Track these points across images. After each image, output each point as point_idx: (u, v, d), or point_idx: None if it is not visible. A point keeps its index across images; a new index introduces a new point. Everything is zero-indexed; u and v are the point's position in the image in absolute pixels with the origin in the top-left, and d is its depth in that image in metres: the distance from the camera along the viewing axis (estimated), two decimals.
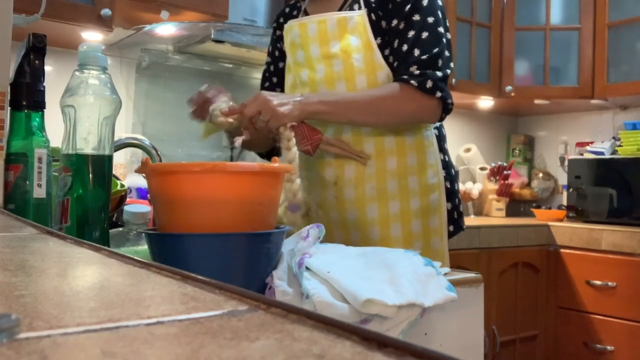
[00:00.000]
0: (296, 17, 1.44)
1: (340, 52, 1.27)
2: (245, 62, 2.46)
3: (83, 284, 0.40)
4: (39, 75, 1.01)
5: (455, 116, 3.63)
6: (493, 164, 3.46)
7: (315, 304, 0.70)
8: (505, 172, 3.39)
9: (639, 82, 2.97)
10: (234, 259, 0.75)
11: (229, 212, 0.75)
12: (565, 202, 3.17)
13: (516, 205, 3.56)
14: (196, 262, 0.73)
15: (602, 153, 3.03)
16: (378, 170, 1.29)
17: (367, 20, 1.27)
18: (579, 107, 3.48)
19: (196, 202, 0.74)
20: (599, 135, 3.46)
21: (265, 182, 0.78)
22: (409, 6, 1.24)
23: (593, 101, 3.22)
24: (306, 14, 1.41)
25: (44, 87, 1.01)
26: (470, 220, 2.96)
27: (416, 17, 1.23)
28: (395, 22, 1.25)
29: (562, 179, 3.49)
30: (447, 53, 1.24)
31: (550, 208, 3.31)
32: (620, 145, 2.96)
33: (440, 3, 1.28)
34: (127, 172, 2.30)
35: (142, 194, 1.79)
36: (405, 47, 1.23)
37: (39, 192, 0.96)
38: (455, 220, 1.36)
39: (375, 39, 1.26)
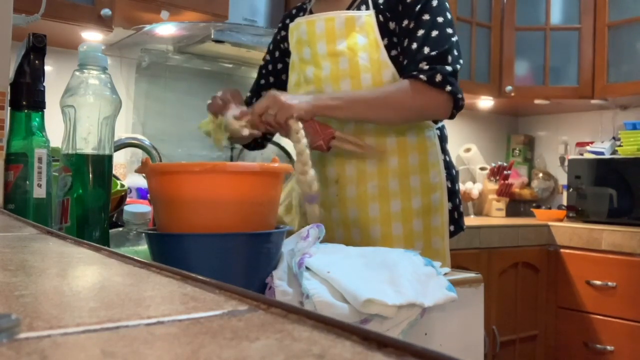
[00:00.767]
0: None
1: (346, 50, 1.27)
2: (245, 62, 2.46)
3: (83, 284, 0.40)
4: (39, 75, 1.01)
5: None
6: (493, 164, 3.46)
7: (315, 304, 0.70)
8: (505, 172, 3.39)
9: (639, 82, 2.97)
10: (234, 259, 0.75)
11: (229, 212, 0.75)
12: (565, 202, 3.17)
13: (516, 205, 3.56)
14: (196, 262, 0.73)
15: (602, 153, 3.03)
16: (379, 169, 1.29)
17: (374, 21, 1.27)
18: (579, 107, 3.48)
19: (196, 202, 0.74)
20: (599, 135, 3.46)
21: (265, 182, 0.78)
22: (419, 6, 1.25)
23: (593, 101, 3.22)
24: (312, 13, 1.41)
25: (44, 87, 1.01)
26: (470, 220, 2.96)
27: (426, 17, 1.24)
28: (405, 22, 1.26)
29: (562, 179, 3.49)
30: (455, 52, 1.25)
31: (550, 208, 3.31)
32: (620, 145, 2.96)
33: (448, 6, 1.29)
34: (127, 172, 2.30)
35: (142, 194, 1.79)
36: (414, 45, 1.23)
37: (39, 192, 0.96)
38: (455, 220, 1.36)
39: (382, 39, 1.27)
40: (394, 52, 1.28)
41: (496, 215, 3.36)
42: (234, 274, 0.74)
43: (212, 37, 2.09)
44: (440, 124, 1.38)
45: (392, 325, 0.72)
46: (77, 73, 0.85)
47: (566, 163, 3.29)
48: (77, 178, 0.83)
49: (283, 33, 1.48)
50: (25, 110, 0.99)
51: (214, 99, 1.27)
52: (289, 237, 0.86)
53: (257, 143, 1.51)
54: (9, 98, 0.99)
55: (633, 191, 2.82)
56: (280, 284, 0.75)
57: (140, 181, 1.81)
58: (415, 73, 1.21)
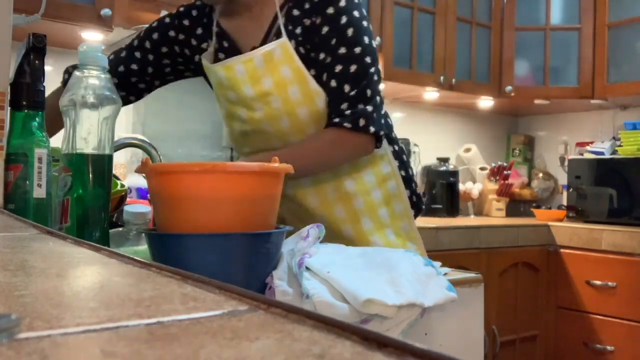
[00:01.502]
0: (208, 26, 1.36)
1: (274, 88, 1.24)
2: None
3: (83, 284, 0.40)
4: (39, 75, 1.01)
5: (455, 116, 3.63)
6: (493, 164, 3.46)
7: (315, 304, 0.70)
8: (505, 172, 3.39)
9: (639, 82, 2.97)
10: (234, 259, 0.75)
11: (229, 212, 0.75)
12: (565, 202, 3.17)
13: (516, 205, 3.56)
14: (196, 262, 0.73)
15: (602, 153, 3.03)
16: (332, 173, 1.30)
17: (292, 49, 1.23)
18: (579, 107, 3.48)
19: (196, 202, 0.74)
20: (599, 135, 3.46)
21: (265, 182, 0.78)
22: (334, 40, 1.21)
23: (593, 101, 3.22)
24: (221, 28, 1.34)
25: (44, 87, 1.01)
26: (470, 220, 2.96)
27: (342, 51, 1.21)
28: (322, 55, 1.23)
29: (562, 179, 3.49)
30: (374, 83, 1.22)
31: (550, 208, 3.31)
32: (620, 145, 2.96)
33: (363, 16, 1.25)
34: (127, 172, 2.30)
35: (142, 194, 1.79)
36: (334, 83, 1.21)
37: (39, 192, 0.96)
38: (414, 204, 1.39)
39: (309, 69, 1.24)
40: (325, 77, 1.24)
41: (496, 215, 3.36)
42: (234, 274, 0.74)
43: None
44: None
45: (392, 325, 0.72)
46: (77, 73, 0.85)
47: (566, 163, 3.29)
48: (77, 178, 0.83)
49: (182, 37, 1.38)
50: (25, 110, 0.99)
51: None
52: (289, 237, 0.86)
53: None
54: (9, 98, 0.99)
55: (633, 191, 2.82)
56: (280, 284, 0.75)
57: (140, 181, 1.81)
58: (337, 120, 1.20)
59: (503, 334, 2.65)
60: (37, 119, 1.00)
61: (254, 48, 1.28)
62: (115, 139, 0.97)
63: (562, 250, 2.81)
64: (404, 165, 1.39)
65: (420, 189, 2.99)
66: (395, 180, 1.34)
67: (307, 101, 1.23)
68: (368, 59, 1.22)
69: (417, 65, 2.94)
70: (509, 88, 3.23)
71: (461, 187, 3.32)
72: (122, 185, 1.18)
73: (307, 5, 1.24)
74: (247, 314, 0.29)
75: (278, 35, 1.25)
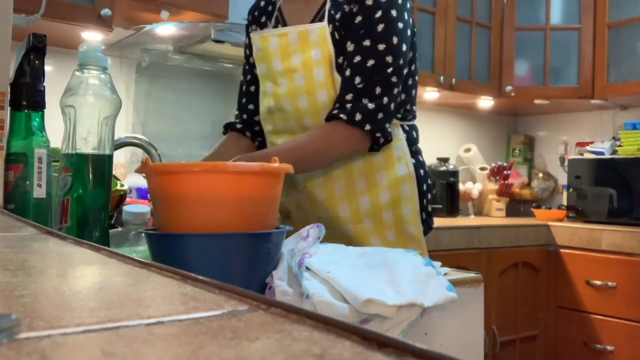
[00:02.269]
0: (271, 13, 1.41)
1: (301, 66, 1.26)
2: None
3: (83, 284, 0.40)
4: (39, 75, 1.01)
5: (455, 116, 3.63)
6: (493, 164, 3.46)
7: (315, 304, 0.70)
8: (505, 172, 3.39)
9: (639, 82, 2.97)
10: (234, 259, 0.75)
11: (229, 212, 0.75)
12: (565, 202, 3.17)
13: (516, 205, 3.56)
14: (196, 262, 0.73)
15: (602, 153, 3.03)
16: (345, 169, 1.30)
17: (328, 33, 1.25)
18: (579, 107, 3.48)
19: (196, 202, 0.74)
20: (599, 135, 3.46)
21: (265, 182, 0.78)
22: (363, 30, 1.22)
23: (593, 101, 3.22)
24: (280, 12, 1.39)
25: (44, 87, 1.01)
26: (470, 220, 2.96)
27: (366, 43, 1.21)
28: (349, 43, 1.24)
29: (562, 179, 3.49)
30: (390, 82, 1.22)
31: (550, 208, 3.31)
32: (620, 145, 2.96)
33: (402, 18, 1.24)
34: (127, 172, 2.30)
35: (142, 194, 1.80)
36: (347, 72, 1.22)
37: (39, 192, 0.96)
38: (424, 221, 1.36)
39: (337, 57, 1.25)
40: (344, 65, 1.25)
41: (496, 215, 3.36)
42: (234, 274, 0.74)
43: (212, 37, 2.09)
44: (411, 122, 1.38)
45: (392, 325, 0.72)
46: (77, 73, 0.85)
47: (566, 163, 3.29)
48: (77, 178, 0.83)
49: (254, 27, 1.46)
50: (25, 110, 0.99)
51: None
52: (289, 237, 0.86)
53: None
54: (9, 98, 0.99)
55: (633, 191, 2.82)
56: (280, 284, 0.75)
57: (140, 181, 1.81)
58: (335, 112, 1.20)
59: (503, 334, 2.65)
60: (37, 119, 1.00)
61: None
62: (115, 139, 0.96)
63: (562, 250, 2.81)
64: (419, 178, 1.36)
65: None
66: (410, 185, 1.32)
67: (328, 85, 1.25)
68: (389, 58, 1.22)
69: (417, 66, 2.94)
70: (509, 88, 3.23)
71: (461, 187, 3.32)
72: (122, 185, 1.18)
73: None
74: (247, 314, 0.29)
75: (324, 15, 1.28)
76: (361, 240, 1.29)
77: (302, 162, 1.20)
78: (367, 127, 1.20)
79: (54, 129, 1.06)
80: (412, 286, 0.74)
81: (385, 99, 1.22)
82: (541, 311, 2.82)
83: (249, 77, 1.48)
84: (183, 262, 0.72)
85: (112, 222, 1.17)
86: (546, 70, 3.24)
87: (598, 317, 2.66)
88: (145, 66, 2.40)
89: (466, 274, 0.93)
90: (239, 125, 1.47)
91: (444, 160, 3.25)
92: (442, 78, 2.99)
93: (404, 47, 1.25)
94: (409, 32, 1.27)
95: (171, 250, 0.76)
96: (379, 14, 1.22)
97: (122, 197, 1.19)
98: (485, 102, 3.42)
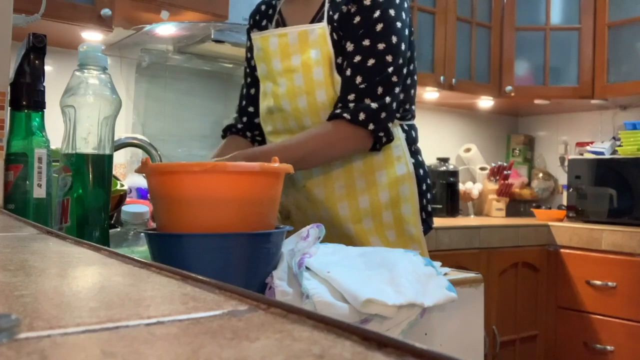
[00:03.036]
0: (272, 16, 1.42)
1: (301, 66, 1.27)
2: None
3: (83, 284, 0.40)
4: (39, 75, 1.01)
5: (455, 116, 3.63)
6: (493, 164, 3.46)
7: (315, 304, 0.70)
8: (505, 172, 3.39)
9: (639, 82, 2.97)
10: (234, 259, 0.75)
11: (229, 212, 0.75)
12: (565, 202, 3.17)
13: (516, 205, 3.56)
14: (196, 262, 0.73)
15: (602, 153, 3.03)
16: (344, 169, 1.30)
17: (328, 34, 1.26)
18: (579, 107, 3.48)
19: (196, 202, 0.74)
20: (599, 135, 3.46)
21: (265, 182, 0.78)
22: (362, 30, 1.23)
23: (593, 101, 3.22)
24: (280, 15, 1.40)
25: (44, 87, 1.01)
26: (470, 220, 2.96)
27: (366, 43, 1.22)
28: (348, 43, 1.25)
29: (562, 179, 3.49)
30: (390, 81, 1.23)
31: (550, 208, 3.31)
32: (620, 145, 2.96)
33: (401, 18, 1.25)
34: (127, 172, 2.30)
35: (142, 194, 1.79)
36: (348, 72, 1.23)
37: (39, 192, 0.96)
38: (423, 221, 1.36)
39: (337, 57, 1.26)
40: (345, 65, 1.26)
41: (496, 215, 3.36)
42: (234, 274, 0.74)
43: (212, 37, 2.09)
44: (410, 122, 1.38)
45: (392, 325, 0.72)
46: (77, 73, 0.85)
47: (566, 163, 3.29)
48: (77, 178, 0.83)
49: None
50: (25, 110, 0.99)
51: None
52: (289, 237, 0.86)
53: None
54: (9, 98, 0.99)
55: (633, 191, 2.81)
56: (280, 284, 0.75)
57: (140, 181, 1.81)
58: (338, 112, 1.21)
59: (503, 334, 2.65)
60: (37, 119, 1.00)
61: None
62: (115, 139, 0.96)
63: (562, 250, 2.81)
64: (419, 178, 1.36)
65: None
66: (409, 184, 1.32)
67: (327, 85, 1.25)
68: (389, 58, 1.22)
69: (417, 66, 2.93)
70: (509, 88, 3.23)
71: (461, 187, 3.32)
72: (122, 185, 1.18)
73: None
74: (247, 314, 0.29)
75: (322, 20, 1.29)
76: (361, 240, 1.29)
77: (302, 159, 1.20)
78: (371, 126, 1.21)
79: (54, 129, 1.06)
80: (412, 286, 0.74)
81: (388, 99, 1.22)
82: (541, 311, 2.83)
83: (249, 79, 1.49)
84: (183, 262, 0.72)
85: (112, 222, 1.17)
86: (546, 70, 3.24)
87: (598, 317, 2.66)
88: (145, 66, 2.40)
89: (466, 274, 0.93)
90: (239, 125, 1.47)
91: (444, 160, 3.25)
92: (442, 78, 2.99)
93: (403, 46, 1.25)
94: (407, 31, 1.27)
95: (171, 250, 0.76)
96: (377, 13, 1.23)
97: (122, 197, 1.19)
98: (485, 102, 3.42)
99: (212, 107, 2.57)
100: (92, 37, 2.10)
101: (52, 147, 1.01)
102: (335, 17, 1.27)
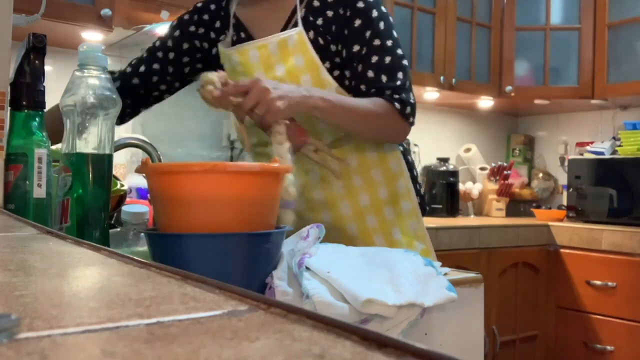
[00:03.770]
0: (225, 19, 1.38)
1: (286, 76, 1.25)
2: None
3: (83, 284, 0.40)
4: (39, 75, 1.01)
5: (455, 116, 3.63)
6: (493, 164, 3.46)
7: (315, 304, 0.70)
8: (505, 172, 3.39)
9: (639, 82, 2.97)
10: (234, 259, 0.75)
11: (229, 212, 0.75)
12: (565, 202, 3.17)
13: (516, 205, 3.56)
14: (196, 262, 0.73)
15: (602, 153, 3.03)
16: (341, 171, 1.30)
17: (306, 38, 1.25)
18: (579, 107, 3.48)
19: (196, 202, 0.74)
20: (599, 135, 3.46)
21: (265, 182, 0.78)
22: (369, 32, 1.24)
23: (593, 101, 3.22)
24: (237, 19, 1.36)
25: (44, 87, 1.01)
26: (470, 220, 2.96)
27: (377, 42, 1.24)
28: (356, 47, 1.25)
29: (562, 179, 3.49)
30: (408, 71, 1.27)
31: (550, 208, 3.31)
32: (620, 145, 2.96)
33: (392, 21, 1.30)
34: (127, 172, 2.30)
35: (142, 194, 1.80)
36: (371, 74, 1.24)
37: (39, 192, 0.96)
38: (418, 204, 1.39)
39: (324, 62, 1.26)
40: (336, 73, 1.27)
41: (496, 215, 3.36)
42: (234, 274, 0.74)
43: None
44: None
45: (392, 325, 0.72)
46: (77, 73, 0.85)
47: (566, 163, 3.29)
48: (77, 178, 0.83)
49: (201, 30, 1.42)
50: (25, 110, 0.99)
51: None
52: (289, 237, 0.86)
53: None
54: (9, 98, 0.99)
55: (633, 191, 2.82)
56: (280, 284, 0.75)
57: (140, 181, 1.81)
58: (389, 99, 1.22)
59: (503, 334, 2.65)
60: (37, 119, 1.00)
61: None
62: (115, 139, 0.97)
63: (562, 250, 2.81)
64: (410, 165, 1.39)
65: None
66: (404, 179, 1.34)
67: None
68: (399, 51, 1.26)
69: (417, 65, 2.94)
70: (509, 88, 3.23)
71: (461, 187, 3.32)
72: (122, 186, 1.18)
73: None
74: (247, 314, 0.29)
75: (296, 26, 1.27)
76: (365, 239, 1.28)
77: (360, 123, 1.21)
78: (412, 120, 1.24)
79: None
80: (412, 286, 0.74)
81: (411, 94, 1.26)
82: (541, 311, 2.82)
83: (159, 63, 1.44)
84: (183, 262, 0.72)
85: (112, 222, 1.17)
86: (546, 70, 3.24)
87: (598, 317, 2.66)
88: None
89: (466, 274, 0.93)
90: (135, 81, 1.44)
91: (444, 160, 3.25)
92: (442, 78, 2.99)
93: (397, 37, 1.29)
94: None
95: (171, 250, 0.76)
96: (375, 13, 1.25)
97: (122, 198, 1.19)
98: (485, 102, 3.42)
99: None
100: (92, 37, 2.10)
101: (52, 147, 1.01)
102: (319, 22, 1.26)
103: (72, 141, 0.83)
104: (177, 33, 1.44)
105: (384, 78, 1.23)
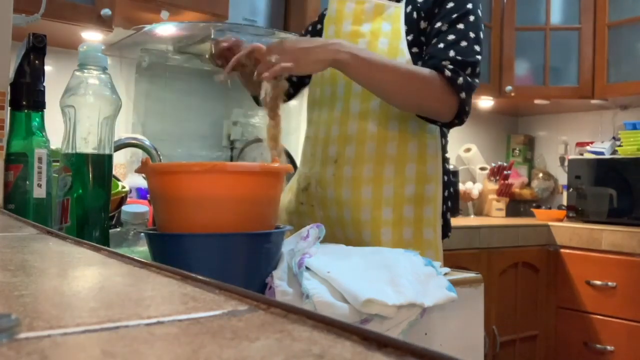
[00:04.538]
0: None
1: (369, 33, 1.31)
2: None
3: (83, 284, 0.40)
4: (39, 75, 1.01)
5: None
6: (493, 164, 3.46)
7: (315, 304, 0.70)
8: (505, 172, 3.39)
9: (639, 82, 2.97)
10: (234, 259, 0.75)
11: (229, 212, 0.75)
12: (565, 202, 3.17)
13: (516, 205, 3.56)
14: (196, 262, 0.73)
15: (602, 153, 3.03)
16: (377, 152, 1.29)
17: (402, 14, 1.30)
18: (579, 107, 3.48)
19: (196, 202, 0.74)
20: (599, 135, 3.46)
21: (265, 182, 0.78)
22: (456, 15, 1.26)
23: (593, 101, 3.22)
24: None
25: (44, 87, 1.01)
26: (470, 220, 2.96)
27: (460, 26, 1.26)
28: (439, 24, 1.27)
29: (562, 179, 3.49)
30: (477, 69, 1.26)
31: (550, 208, 3.31)
32: (620, 145, 2.96)
33: (483, 28, 1.31)
34: (127, 172, 2.30)
35: (142, 194, 1.80)
36: (441, 45, 1.24)
37: (39, 192, 0.96)
38: (442, 225, 1.34)
39: (408, 35, 1.29)
40: (414, 50, 1.28)
41: (496, 215, 3.36)
42: (234, 274, 0.74)
43: (212, 37, 2.09)
44: (448, 129, 1.37)
45: (392, 325, 0.72)
46: (77, 73, 0.85)
47: (566, 163, 3.29)
48: (77, 178, 0.83)
49: (319, 27, 1.49)
50: (25, 110, 0.99)
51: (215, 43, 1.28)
52: (289, 237, 0.86)
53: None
54: (9, 98, 0.99)
55: (633, 191, 2.81)
56: (280, 284, 0.75)
57: (140, 181, 1.81)
58: (441, 66, 1.21)
59: (503, 334, 2.65)
60: (37, 119, 1.00)
61: None
62: (115, 139, 0.97)
63: (562, 250, 2.81)
64: (446, 185, 1.35)
65: None
66: (435, 185, 1.31)
67: (390, 54, 1.28)
68: (477, 48, 1.26)
69: None
70: (509, 88, 3.23)
71: (461, 187, 3.32)
72: (123, 187, 1.19)
73: None
74: (247, 314, 0.29)
75: (399, 1, 1.33)
76: (373, 229, 1.26)
77: (393, 82, 1.20)
78: (463, 95, 1.22)
79: (54, 129, 1.06)
80: (412, 286, 0.74)
81: (477, 81, 1.24)
82: (541, 311, 2.82)
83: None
84: (183, 262, 0.72)
85: (112, 223, 1.17)
86: (546, 70, 3.24)
87: (598, 317, 2.66)
88: (145, 66, 2.40)
89: (466, 274, 0.93)
90: None
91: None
92: None
93: (482, 36, 1.29)
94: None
95: (171, 250, 0.76)
96: (469, 5, 1.27)
97: (122, 199, 1.19)
98: (485, 102, 3.42)
99: (212, 107, 2.57)
100: (92, 37, 2.10)
101: (52, 147, 1.01)
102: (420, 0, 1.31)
103: (72, 141, 0.83)
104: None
105: (451, 53, 1.22)
